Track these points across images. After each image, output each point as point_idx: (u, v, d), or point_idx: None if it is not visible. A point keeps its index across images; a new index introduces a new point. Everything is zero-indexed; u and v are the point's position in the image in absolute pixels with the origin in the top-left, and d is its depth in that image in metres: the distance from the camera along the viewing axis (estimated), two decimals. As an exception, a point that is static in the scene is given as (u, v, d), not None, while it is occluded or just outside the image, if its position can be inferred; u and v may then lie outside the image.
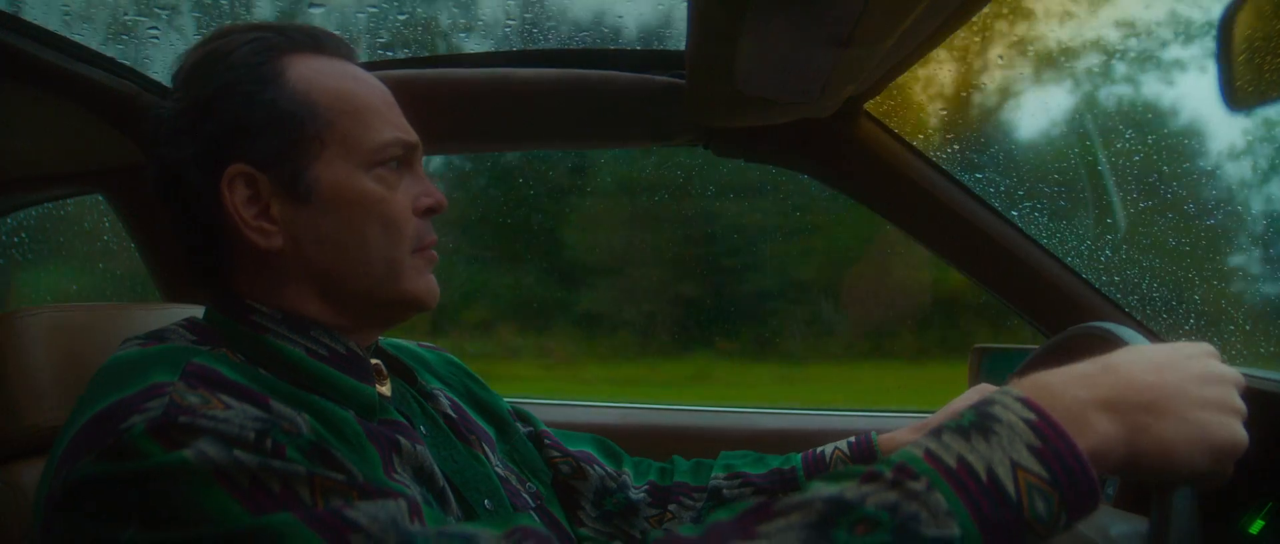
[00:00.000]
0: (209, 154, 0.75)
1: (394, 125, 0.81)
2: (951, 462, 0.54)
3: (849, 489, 0.55)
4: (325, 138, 0.76)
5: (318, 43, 0.81)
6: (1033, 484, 0.54)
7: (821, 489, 0.55)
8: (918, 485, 0.54)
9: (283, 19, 1.42)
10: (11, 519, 0.86)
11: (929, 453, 0.56)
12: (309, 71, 0.78)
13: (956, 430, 0.57)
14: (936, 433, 0.58)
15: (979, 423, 0.57)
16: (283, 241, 0.76)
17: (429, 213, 0.83)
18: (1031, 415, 0.56)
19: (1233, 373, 0.65)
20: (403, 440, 0.76)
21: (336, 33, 0.85)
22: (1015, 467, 0.54)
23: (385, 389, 0.84)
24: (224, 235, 0.77)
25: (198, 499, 0.56)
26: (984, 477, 0.54)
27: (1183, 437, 0.59)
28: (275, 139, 0.75)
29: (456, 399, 0.97)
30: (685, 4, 0.96)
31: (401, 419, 0.81)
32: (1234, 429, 0.61)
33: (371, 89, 0.82)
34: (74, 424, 0.63)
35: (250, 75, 0.76)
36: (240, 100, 0.76)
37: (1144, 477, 0.62)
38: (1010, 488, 0.53)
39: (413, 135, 0.83)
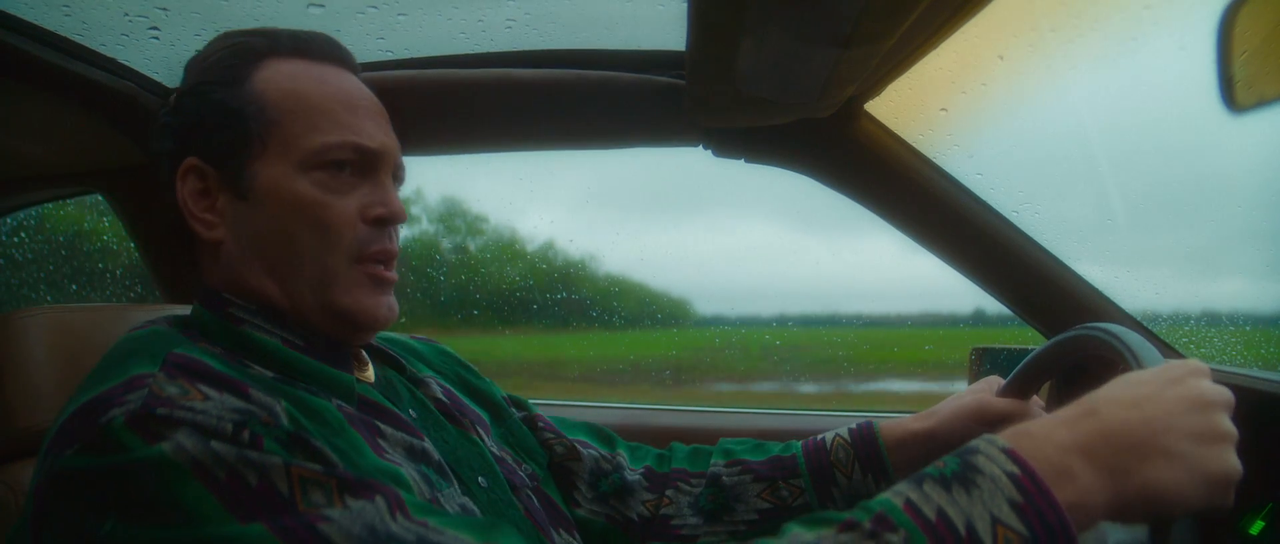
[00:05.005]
0: (176, 148, 0.80)
1: (346, 128, 0.79)
2: (931, 514, 0.54)
3: (826, 537, 0.55)
4: (268, 137, 0.78)
5: (302, 47, 0.82)
6: (1011, 540, 0.53)
7: (800, 534, 0.56)
8: (895, 538, 0.53)
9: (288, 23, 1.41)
10: (12, 519, 0.85)
11: (909, 503, 0.55)
12: (274, 74, 0.79)
13: (938, 480, 0.57)
14: (918, 481, 0.57)
15: (961, 474, 0.56)
16: (224, 234, 0.79)
17: (379, 223, 0.80)
18: (1014, 469, 0.56)
19: (1222, 394, 0.61)
20: (383, 426, 0.76)
21: (332, 37, 0.85)
22: (995, 522, 0.54)
23: (367, 375, 0.85)
24: (189, 227, 0.80)
25: (175, 494, 0.57)
26: (962, 531, 0.53)
27: (1170, 476, 0.57)
28: (224, 136, 0.78)
29: (449, 386, 0.97)
30: (685, 4, 0.96)
31: (386, 403, 0.81)
32: (1225, 459, 0.58)
33: (332, 92, 0.80)
34: (62, 416, 0.65)
35: (218, 77, 0.80)
36: (203, 99, 0.79)
37: (1136, 521, 0.59)
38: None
39: (372, 141, 0.80)
